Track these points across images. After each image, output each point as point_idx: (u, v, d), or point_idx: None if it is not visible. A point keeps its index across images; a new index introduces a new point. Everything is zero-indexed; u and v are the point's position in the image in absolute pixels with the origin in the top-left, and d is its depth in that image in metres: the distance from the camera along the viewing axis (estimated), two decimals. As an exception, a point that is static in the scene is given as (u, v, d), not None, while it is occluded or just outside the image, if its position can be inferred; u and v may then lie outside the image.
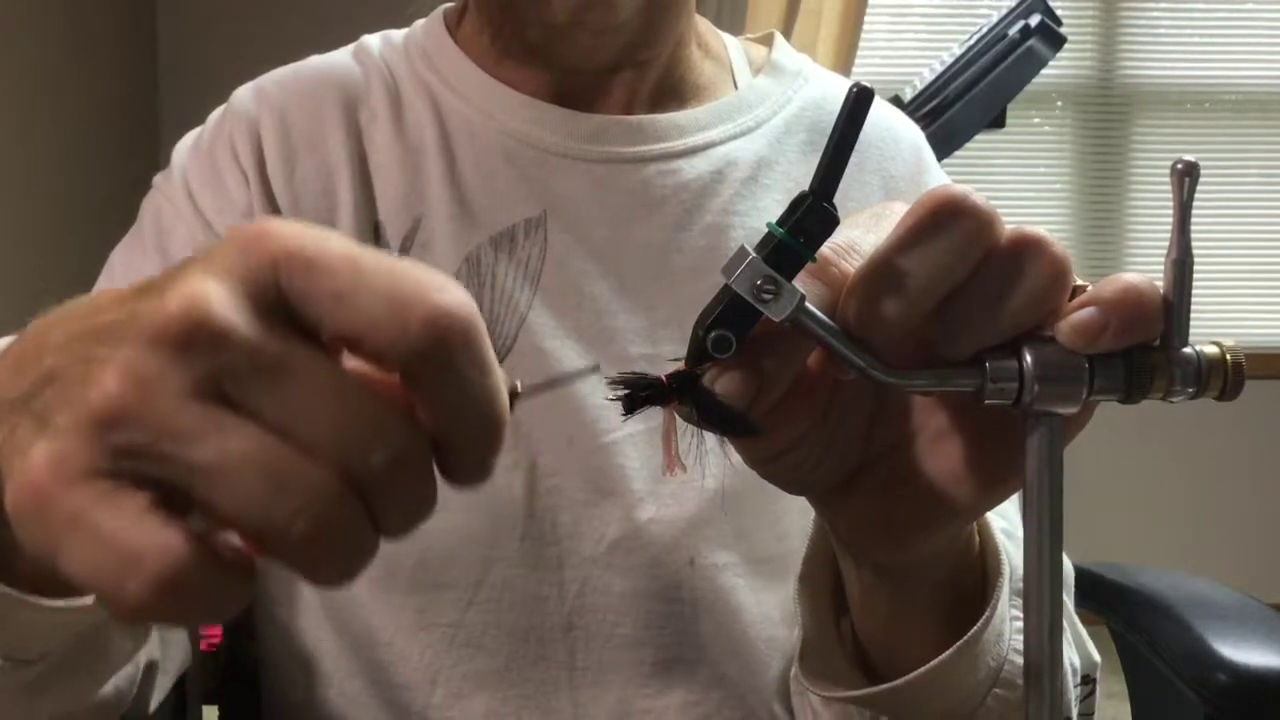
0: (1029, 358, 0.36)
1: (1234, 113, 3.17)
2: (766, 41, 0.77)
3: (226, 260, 0.28)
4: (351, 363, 0.28)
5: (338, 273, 0.27)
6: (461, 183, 0.67)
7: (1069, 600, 0.61)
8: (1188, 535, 3.07)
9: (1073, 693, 0.60)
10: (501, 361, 0.32)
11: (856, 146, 0.35)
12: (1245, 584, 1.07)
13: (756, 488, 0.54)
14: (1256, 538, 3.11)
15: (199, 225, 0.66)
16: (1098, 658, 0.75)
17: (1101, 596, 1.06)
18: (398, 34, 0.73)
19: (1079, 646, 0.64)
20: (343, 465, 0.27)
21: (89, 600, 0.42)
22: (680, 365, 0.37)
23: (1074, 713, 0.58)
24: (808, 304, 0.35)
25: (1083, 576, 0.98)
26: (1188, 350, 0.37)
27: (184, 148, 0.70)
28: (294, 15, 2.76)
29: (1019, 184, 3.18)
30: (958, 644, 0.46)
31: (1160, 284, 0.36)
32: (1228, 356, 0.37)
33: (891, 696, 0.47)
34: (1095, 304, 0.36)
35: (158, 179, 0.70)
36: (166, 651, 0.60)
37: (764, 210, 0.68)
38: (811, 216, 0.35)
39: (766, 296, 0.35)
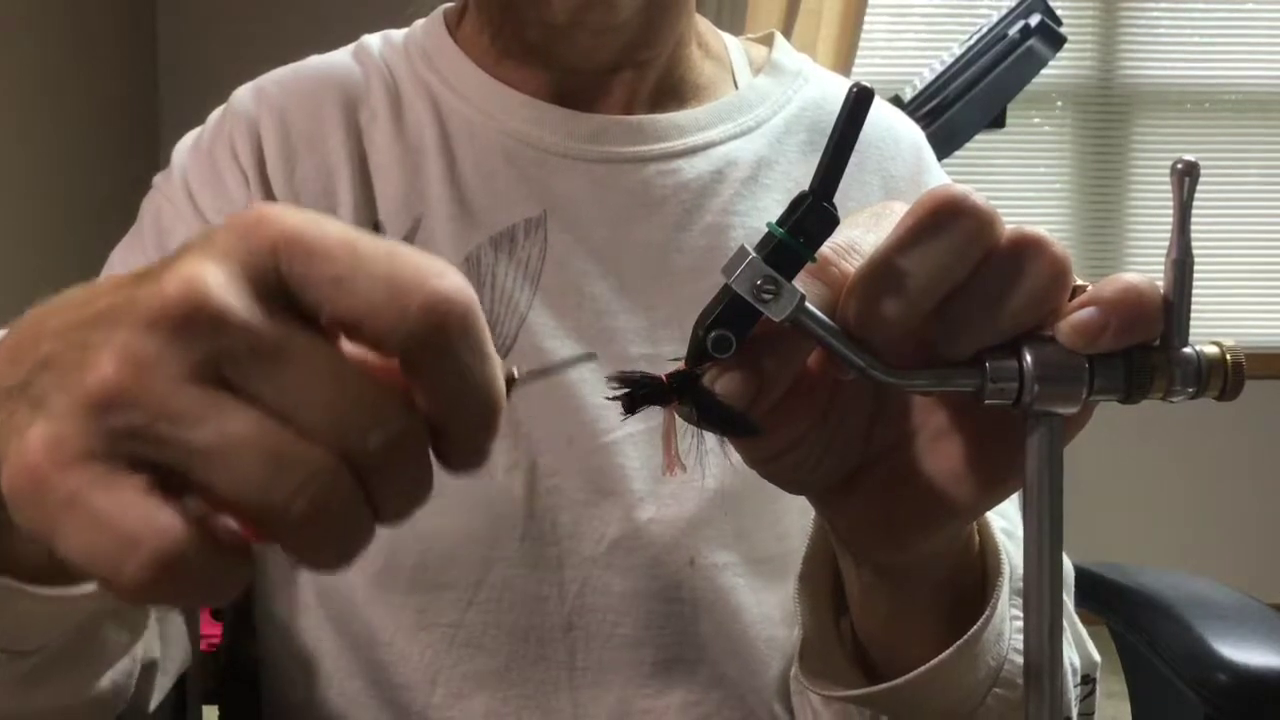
0: (1029, 358, 0.36)
1: (1234, 113, 3.17)
2: (767, 41, 0.77)
3: (225, 244, 0.28)
4: (349, 349, 0.28)
5: (337, 258, 0.27)
6: (461, 183, 0.67)
7: (1069, 600, 0.61)
8: (1188, 535, 3.07)
9: (1073, 692, 0.60)
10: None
11: (856, 146, 0.35)
12: (1245, 584, 1.07)
13: (756, 488, 0.54)
14: (1256, 538, 3.11)
15: (199, 225, 0.66)
16: (1098, 657, 0.75)
17: (1101, 596, 1.06)
18: (398, 34, 0.73)
19: (1079, 646, 0.64)
20: (341, 448, 0.27)
21: (86, 589, 0.42)
22: (680, 365, 0.37)
23: (1074, 712, 0.58)
24: (808, 304, 0.35)
25: (1083, 576, 0.98)
26: (1188, 350, 0.37)
27: (184, 148, 0.70)
28: (294, 15, 2.77)
29: (1019, 184, 3.18)
30: (957, 643, 0.46)
31: (1160, 284, 0.36)
32: (1228, 356, 0.37)
33: (891, 696, 0.47)
34: (1095, 304, 0.36)
35: (158, 179, 0.70)
36: (166, 651, 0.60)
37: (764, 210, 0.68)
38: (811, 216, 0.35)
39: (766, 296, 0.35)
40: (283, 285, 0.27)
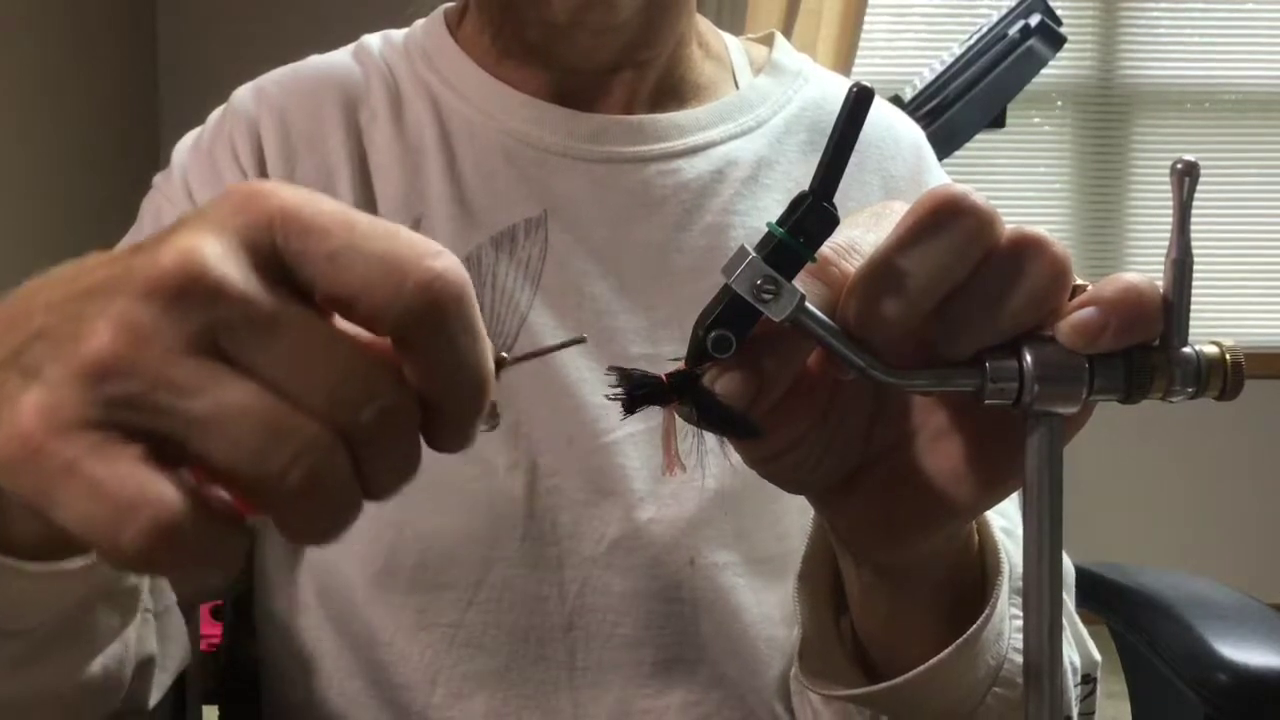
0: (1029, 358, 0.36)
1: (1234, 113, 3.17)
2: (767, 41, 0.77)
3: (222, 217, 0.28)
4: (341, 326, 0.29)
5: (333, 234, 0.28)
6: (462, 182, 0.67)
7: (1069, 600, 0.61)
8: (1188, 535, 3.07)
9: (1073, 692, 0.60)
10: None
11: (856, 146, 0.35)
12: (1245, 584, 1.07)
13: (756, 488, 0.54)
14: (1256, 538, 3.11)
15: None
16: (1098, 657, 0.75)
17: (1101, 596, 1.06)
18: (398, 34, 0.73)
19: (1079, 646, 0.64)
20: (335, 421, 0.27)
21: (78, 563, 0.42)
22: (680, 365, 0.37)
23: (1074, 712, 0.58)
24: (808, 304, 0.35)
25: (1083, 576, 0.98)
26: (1187, 350, 0.37)
27: (184, 148, 0.70)
28: (294, 15, 2.77)
29: (1019, 184, 3.18)
30: (957, 642, 0.46)
31: (1160, 284, 0.36)
32: (1228, 356, 0.37)
33: (891, 695, 0.47)
34: (1095, 304, 0.36)
35: (158, 179, 0.70)
36: (165, 649, 0.60)
37: (764, 210, 0.68)
38: (811, 216, 0.35)
39: (766, 296, 0.35)
40: (279, 260, 0.28)
